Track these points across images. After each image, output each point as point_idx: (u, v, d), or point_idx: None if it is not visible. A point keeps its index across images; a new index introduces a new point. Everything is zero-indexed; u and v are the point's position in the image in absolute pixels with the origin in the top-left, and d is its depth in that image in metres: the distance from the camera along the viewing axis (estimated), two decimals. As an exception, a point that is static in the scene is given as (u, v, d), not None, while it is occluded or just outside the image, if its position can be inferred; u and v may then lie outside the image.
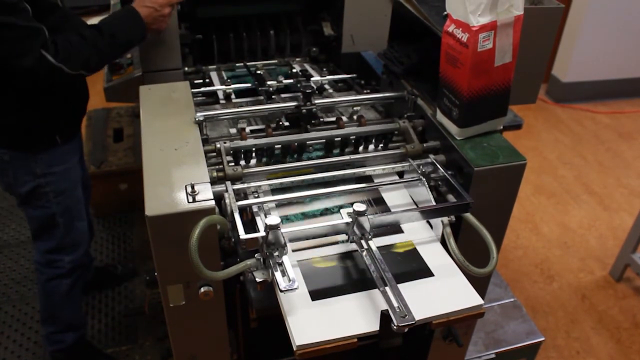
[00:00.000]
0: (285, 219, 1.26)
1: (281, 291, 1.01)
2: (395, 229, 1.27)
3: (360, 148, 1.48)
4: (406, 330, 0.97)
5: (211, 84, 1.83)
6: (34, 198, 1.75)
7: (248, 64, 1.92)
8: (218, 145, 1.34)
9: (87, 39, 1.50)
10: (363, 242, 1.14)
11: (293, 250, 1.19)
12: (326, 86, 1.80)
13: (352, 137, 1.45)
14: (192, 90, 1.55)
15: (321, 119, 1.57)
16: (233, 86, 1.74)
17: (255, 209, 1.24)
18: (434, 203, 1.28)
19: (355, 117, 1.61)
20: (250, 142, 1.39)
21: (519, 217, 3.10)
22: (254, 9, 2.00)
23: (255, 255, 1.08)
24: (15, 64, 1.42)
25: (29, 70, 1.42)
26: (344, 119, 1.59)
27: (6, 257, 2.64)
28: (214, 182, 1.22)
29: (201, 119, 1.39)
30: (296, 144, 1.41)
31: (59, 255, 1.87)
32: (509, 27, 1.24)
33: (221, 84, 1.77)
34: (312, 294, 1.09)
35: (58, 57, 1.44)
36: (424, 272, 1.17)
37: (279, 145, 1.40)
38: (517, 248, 2.91)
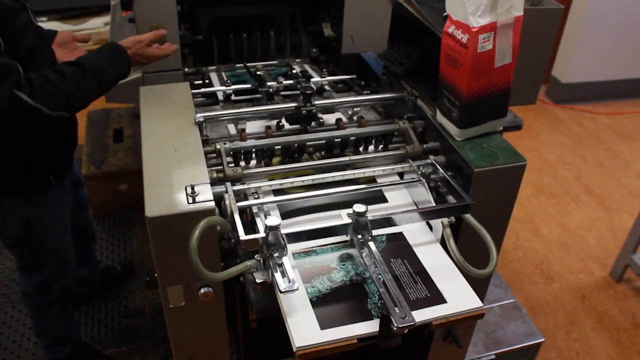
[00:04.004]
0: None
1: (281, 292, 1.01)
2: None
3: (361, 149, 1.48)
4: (406, 331, 0.97)
5: (211, 84, 1.83)
6: (24, 240, 1.68)
7: (248, 64, 1.92)
8: (218, 146, 1.34)
9: (67, 77, 1.33)
10: (363, 242, 1.14)
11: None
12: (326, 87, 1.80)
13: (352, 138, 1.45)
14: (192, 91, 1.55)
15: (321, 120, 1.57)
16: (233, 87, 1.74)
17: (255, 209, 1.24)
18: (433, 204, 1.28)
19: (355, 118, 1.61)
20: (250, 143, 1.39)
21: (519, 218, 3.10)
22: (254, 10, 2.00)
23: (255, 256, 1.08)
24: None
25: (0, 112, 1.25)
26: (344, 119, 1.59)
27: (6, 257, 2.64)
28: (214, 183, 1.22)
29: (201, 119, 1.39)
30: (296, 145, 1.41)
31: (48, 283, 1.81)
32: (509, 28, 1.24)
33: (221, 85, 1.77)
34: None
35: (35, 96, 1.26)
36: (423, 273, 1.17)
37: (279, 147, 1.40)
38: (517, 249, 2.91)
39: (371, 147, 1.49)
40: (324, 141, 1.44)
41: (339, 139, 1.44)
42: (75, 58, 1.42)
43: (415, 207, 1.33)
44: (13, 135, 1.47)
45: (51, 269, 1.78)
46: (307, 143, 1.44)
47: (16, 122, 1.33)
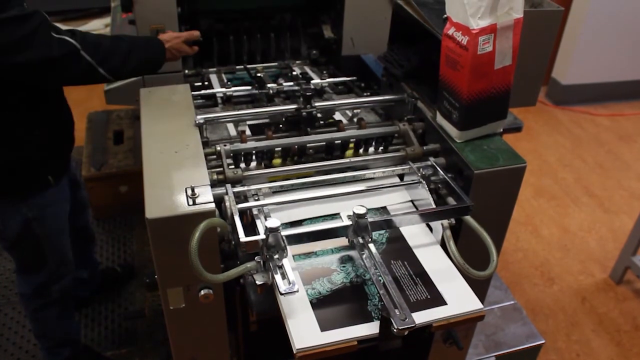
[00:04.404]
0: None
1: (281, 294, 1.01)
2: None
3: (361, 151, 1.48)
4: (406, 333, 0.97)
5: (211, 86, 1.83)
6: (24, 242, 1.68)
7: (248, 66, 1.93)
8: (218, 148, 1.34)
9: (106, 37, 1.42)
10: (363, 244, 1.14)
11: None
12: (326, 89, 1.80)
13: (352, 140, 1.45)
14: (192, 93, 1.55)
15: (321, 122, 1.57)
16: (233, 89, 1.74)
17: (255, 211, 1.24)
18: (434, 206, 1.28)
19: (355, 119, 1.61)
20: (250, 144, 1.39)
21: (519, 220, 3.10)
22: (254, 12, 2.00)
23: (256, 258, 1.08)
24: (29, 57, 1.28)
25: (48, 54, 1.29)
26: (344, 121, 1.59)
27: (6, 259, 2.64)
28: (214, 184, 1.22)
29: (201, 121, 1.39)
30: (296, 146, 1.41)
31: (46, 285, 1.80)
32: (509, 30, 1.24)
33: (221, 87, 1.77)
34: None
35: (77, 39, 1.33)
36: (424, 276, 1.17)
37: (279, 148, 1.40)
38: (517, 251, 2.91)
39: (371, 149, 1.49)
40: (323, 143, 1.44)
41: (339, 141, 1.44)
42: None
43: (415, 209, 1.33)
44: (16, 132, 1.48)
45: (50, 270, 1.77)
46: (307, 145, 1.44)
47: (62, 66, 1.35)
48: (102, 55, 1.38)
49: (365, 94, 1.77)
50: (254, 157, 1.38)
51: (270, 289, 1.07)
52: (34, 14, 1.31)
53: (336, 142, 1.44)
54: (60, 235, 1.76)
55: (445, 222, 1.24)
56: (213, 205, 1.12)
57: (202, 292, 1.19)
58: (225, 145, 1.35)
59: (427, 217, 1.23)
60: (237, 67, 1.99)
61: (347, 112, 1.68)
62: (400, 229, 1.27)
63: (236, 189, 1.25)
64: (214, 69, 1.98)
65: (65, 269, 1.83)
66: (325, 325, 1.02)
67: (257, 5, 2.00)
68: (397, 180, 1.40)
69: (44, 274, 1.78)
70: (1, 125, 1.46)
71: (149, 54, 1.51)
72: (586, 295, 2.67)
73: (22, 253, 1.75)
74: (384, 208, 1.34)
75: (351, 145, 1.46)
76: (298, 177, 1.33)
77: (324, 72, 1.88)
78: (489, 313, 2.04)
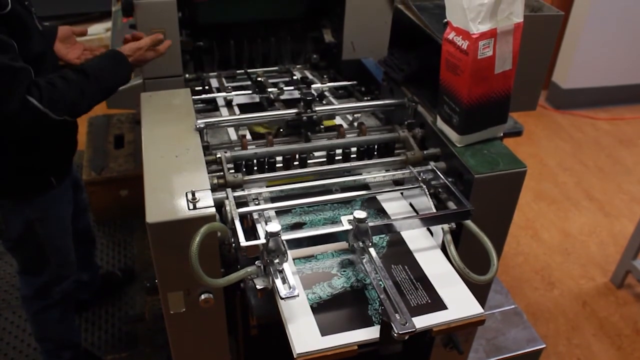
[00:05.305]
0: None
1: (282, 298, 1.01)
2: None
3: (363, 158, 1.48)
4: (407, 337, 0.97)
5: (212, 90, 1.83)
6: (26, 242, 1.68)
7: (248, 70, 1.93)
8: (219, 155, 1.34)
9: (71, 83, 1.37)
10: (363, 249, 1.14)
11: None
12: (327, 93, 1.80)
13: (352, 148, 1.45)
14: (193, 97, 1.55)
15: (322, 126, 1.57)
16: (234, 93, 1.74)
17: (255, 216, 1.24)
18: (434, 210, 1.28)
19: (355, 124, 1.61)
20: (251, 150, 1.39)
21: (519, 224, 3.10)
22: (255, 16, 2.00)
23: (256, 263, 1.08)
24: None
25: (13, 116, 1.28)
26: (345, 125, 1.59)
27: (6, 263, 2.64)
28: (214, 189, 1.22)
29: (202, 126, 1.39)
30: (297, 153, 1.42)
31: (48, 286, 1.81)
32: (509, 34, 1.24)
33: (222, 91, 1.77)
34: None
35: (43, 102, 1.30)
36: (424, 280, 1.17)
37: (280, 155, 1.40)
38: (517, 255, 2.90)
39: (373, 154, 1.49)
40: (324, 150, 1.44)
41: (340, 148, 1.44)
42: (80, 63, 1.49)
43: (415, 214, 1.33)
44: (17, 139, 1.48)
45: (52, 271, 1.78)
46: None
47: (24, 127, 1.36)
48: (69, 108, 1.37)
49: (365, 98, 1.78)
50: (254, 162, 1.38)
51: (270, 294, 1.07)
52: (20, 71, 1.29)
53: (337, 149, 1.44)
54: (63, 236, 1.77)
55: (446, 226, 1.24)
56: (213, 209, 1.12)
57: (203, 297, 1.19)
58: (225, 152, 1.35)
59: (428, 221, 1.23)
60: (238, 71, 1.99)
61: (348, 116, 1.68)
62: (401, 233, 1.27)
63: (237, 194, 1.25)
64: (215, 73, 1.99)
65: (67, 270, 1.83)
66: (325, 330, 1.02)
67: (257, 19, 2.00)
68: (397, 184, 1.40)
69: (46, 275, 1.78)
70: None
71: (118, 79, 1.49)
72: (587, 300, 2.66)
73: (25, 254, 1.76)
74: (385, 212, 1.34)
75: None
76: (298, 182, 1.33)
77: (325, 76, 1.89)
78: (490, 317, 2.03)
